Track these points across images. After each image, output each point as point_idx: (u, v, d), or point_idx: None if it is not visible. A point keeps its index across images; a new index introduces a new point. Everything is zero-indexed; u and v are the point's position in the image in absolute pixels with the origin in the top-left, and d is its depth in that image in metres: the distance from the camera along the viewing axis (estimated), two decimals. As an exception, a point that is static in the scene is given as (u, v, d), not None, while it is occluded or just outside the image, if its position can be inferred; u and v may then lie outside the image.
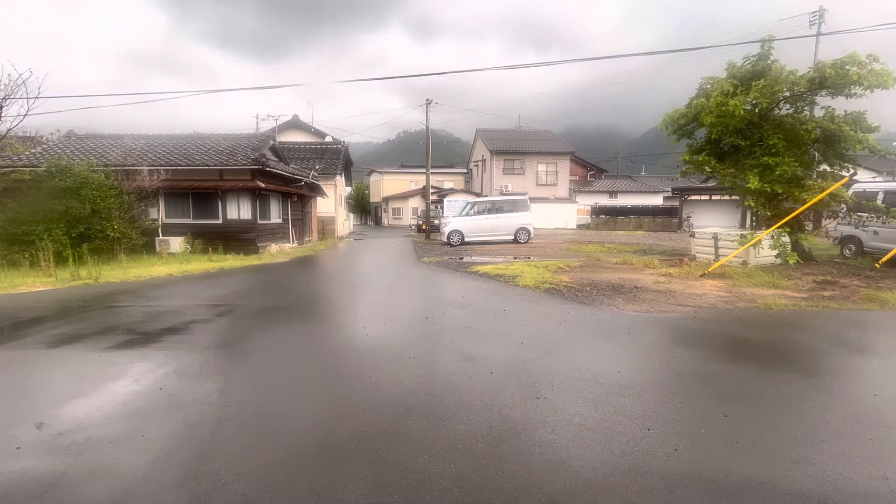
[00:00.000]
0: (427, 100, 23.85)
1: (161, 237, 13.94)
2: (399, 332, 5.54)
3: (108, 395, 3.55)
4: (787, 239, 10.06)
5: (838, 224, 12.13)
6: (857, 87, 9.54)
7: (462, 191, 38.27)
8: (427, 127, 24.17)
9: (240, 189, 14.56)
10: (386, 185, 46.44)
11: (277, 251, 15.66)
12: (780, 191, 10.08)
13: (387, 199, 44.67)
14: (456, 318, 6.18)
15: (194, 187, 14.42)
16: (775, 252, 9.85)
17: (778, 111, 10.87)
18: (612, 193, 36.50)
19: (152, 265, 11.33)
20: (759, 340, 5.18)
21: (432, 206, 27.28)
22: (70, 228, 11.42)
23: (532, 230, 18.85)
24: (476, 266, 11.09)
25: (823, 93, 10.25)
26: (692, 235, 12.69)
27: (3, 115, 12.29)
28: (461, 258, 13.34)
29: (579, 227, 31.86)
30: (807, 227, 12.77)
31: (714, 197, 27.65)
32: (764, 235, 9.77)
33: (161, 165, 14.07)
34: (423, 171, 27.31)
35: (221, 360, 4.47)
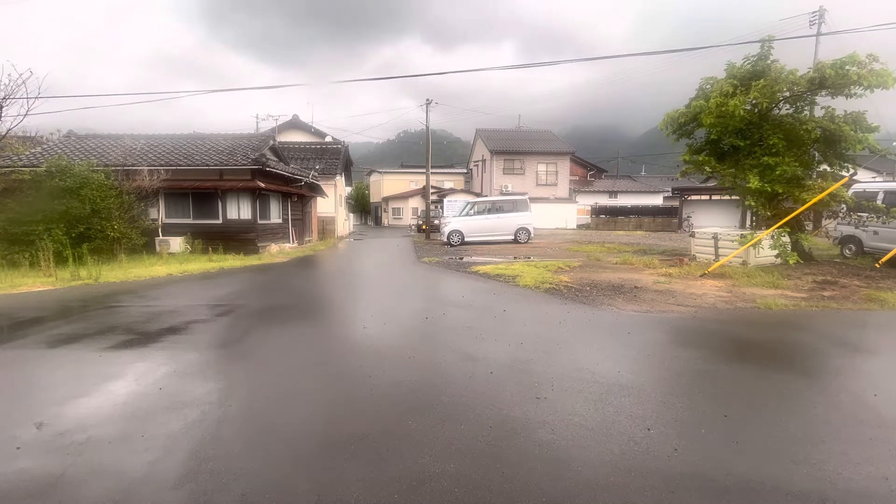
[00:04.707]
0: (427, 100, 23.85)
1: (161, 237, 13.93)
2: (399, 332, 5.54)
3: (108, 395, 3.55)
4: (787, 239, 10.06)
5: (838, 224, 12.12)
6: (857, 87, 9.53)
7: (462, 191, 38.26)
8: (427, 127, 24.17)
9: (240, 189, 14.56)
10: (386, 185, 46.43)
11: (277, 251, 15.66)
12: (780, 191, 10.08)
13: (387, 199, 44.66)
14: (456, 318, 6.19)
15: (194, 187, 14.41)
16: (775, 252, 9.84)
17: (778, 111, 10.86)
18: (612, 193, 36.50)
19: (152, 265, 11.32)
20: (759, 340, 5.18)
21: (432, 206, 27.28)
22: (70, 228, 11.41)
23: (532, 230, 18.84)
24: (476, 266, 11.09)
25: (823, 93, 10.24)
26: (692, 235, 12.69)
27: (2, 115, 12.30)
28: (461, 258, 13.33)
29: (579, 227, 31.86)
30: (807, 227, 12.77)
31: (714, 197, 27.63)
32: (764, 235, 9.77)
33: (161, 165, 14.07)
34: (423, 171, 27.30)
35: (221, 360, 4.47)
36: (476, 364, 4.15)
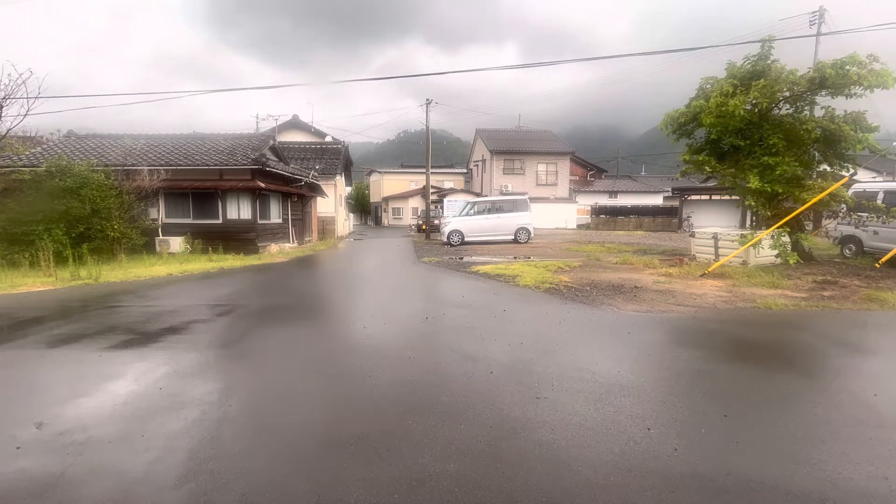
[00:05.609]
0: (427, 99, 23.86)
1: (161, 237, 13.93)
2: (399, 332, 5.54)
3: (107, 395, 3.55)
4: (787, 239, 10.06)
5: (838, 224, 12.12)
6: (857, 87, 9.53)
7: (462, 191, 38.26)
8: (427, 127, 24.17)
9: (240, 189, 14.56)
10: (386, 185, 46.43)
11: (277, 251, 15.66)
12: (780, 190, 10.08)
13: (387, 199, 44.67)
14: (456, 317, 6.18)
15: (194, 187, 14.41)
16: (775, 252, 9.84)
17: (778, 111, 10.86)
18: (612, 193, 36.49)
19: (152, 265, 11.32)
20: (759, 340, 5.18)
21: (432, 206, 27.28)
22: (70, 228, 11.41)
23: (532, 230, 18.84)
24: (476, 266, 11.09)
25: (823, 93, 10.24)
26: (692, 235, 12.69)
27: (2, 115, 12.30)
28: (461, 258, 13.33)
29: (579, 227, 31.86)
30: (807, 227, 12.77)
31: (714, 197, 27.64)
32: (764, 235, 9.77)
33: (161, 165, 14.07)
34: (423, 171, 27.31)
35: (221, 360, 4.47)
36: (476, 364, 4.15)
